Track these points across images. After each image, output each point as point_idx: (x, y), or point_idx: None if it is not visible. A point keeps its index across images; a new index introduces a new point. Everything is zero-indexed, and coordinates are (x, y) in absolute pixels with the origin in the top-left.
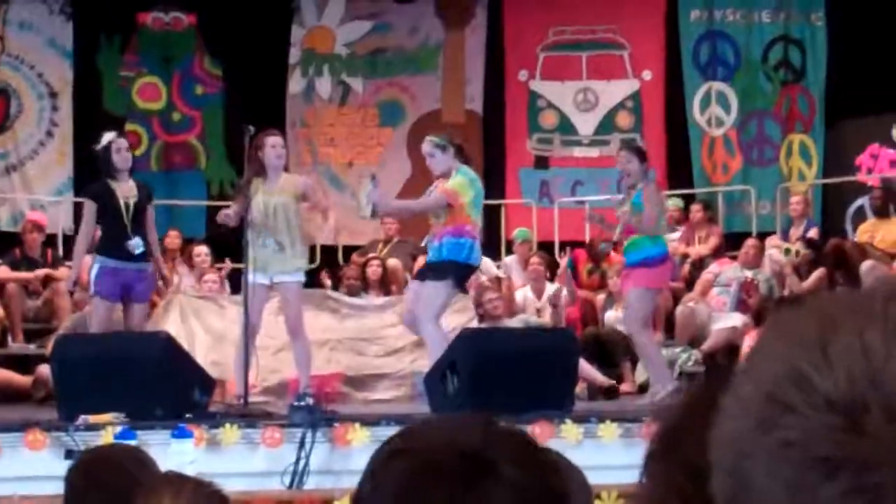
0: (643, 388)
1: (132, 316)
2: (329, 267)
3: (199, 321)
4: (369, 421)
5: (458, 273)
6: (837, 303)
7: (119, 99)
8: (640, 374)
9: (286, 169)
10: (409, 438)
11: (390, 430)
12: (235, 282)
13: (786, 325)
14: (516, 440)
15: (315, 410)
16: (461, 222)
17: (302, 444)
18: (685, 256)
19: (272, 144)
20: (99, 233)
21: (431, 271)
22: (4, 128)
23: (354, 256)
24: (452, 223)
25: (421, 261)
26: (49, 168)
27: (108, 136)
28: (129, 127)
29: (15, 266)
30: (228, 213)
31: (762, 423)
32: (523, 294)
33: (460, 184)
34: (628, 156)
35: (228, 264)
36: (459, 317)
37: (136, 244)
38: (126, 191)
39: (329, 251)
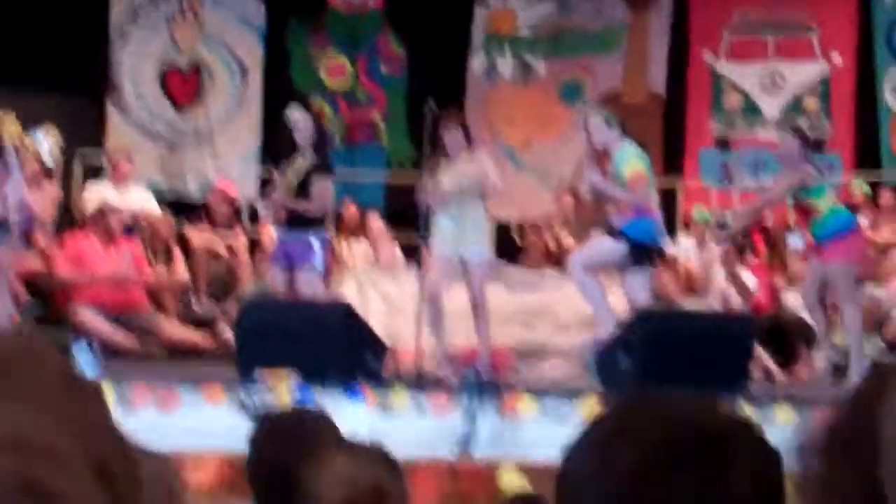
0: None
1: (299, 284)
2: (504, 242)
3: (375, 291)
4: (538, 391)
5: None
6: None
7: (307, 76)
8: (819, 360)
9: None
10: (637, 416)
11: (559, 402)
12: (411, 254)
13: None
14: (748, 425)
15: (484, 380)
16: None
17: (470, 412)
18: (871, 243)
19: (447, 131)
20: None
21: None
22: (198, 102)
23: (529, 231)
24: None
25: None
26: (238, 142)
27: (293, 112)
28: (315, 103)
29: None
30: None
31: None
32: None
33: (641, 164)
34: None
35: (402, 237)
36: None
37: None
38: (301, 165)
39: (504, 226)
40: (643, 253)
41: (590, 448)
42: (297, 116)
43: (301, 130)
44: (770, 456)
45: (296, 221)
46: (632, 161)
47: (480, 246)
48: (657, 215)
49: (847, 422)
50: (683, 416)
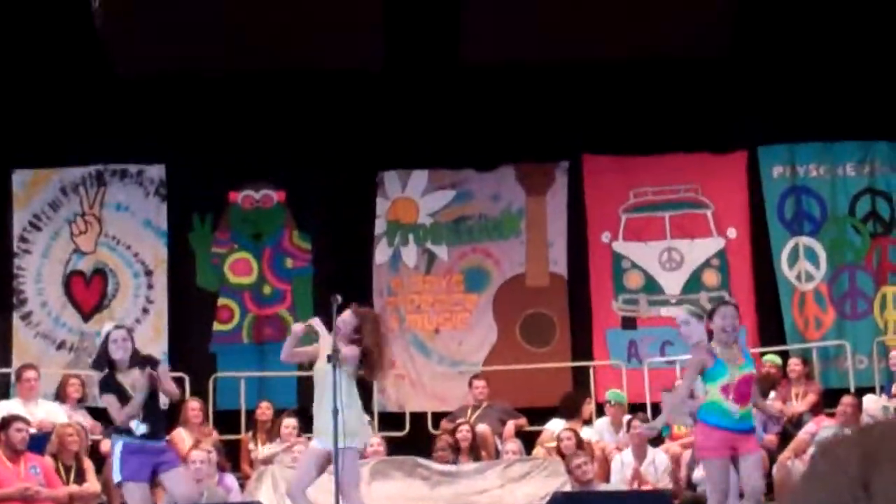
0: None
1: (171, 484)
2: (418, 433)
3: None
4: None
5: None
6: (878, 435)
7: (212, 275)
8: None
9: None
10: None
11: None
12: None
13: (831, 457)
14: None
15: None
16: None
17: None
18: (786, 415)
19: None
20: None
21: None
22: (102, 307)
23: (444, 423)
24: None
25: (510, 425)
26: (145, 345)
27: (105, 328)
28: (221, 301)
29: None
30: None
31: None
32: (621, 459)
33: None
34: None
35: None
36: (552, 481)
37: (136, 426)
38: (130, 380)
39: (418, 417)
40: None
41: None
42: (118, 334)
43: (123, 347)
44: None
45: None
46: None
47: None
48: None
49: None
50: None
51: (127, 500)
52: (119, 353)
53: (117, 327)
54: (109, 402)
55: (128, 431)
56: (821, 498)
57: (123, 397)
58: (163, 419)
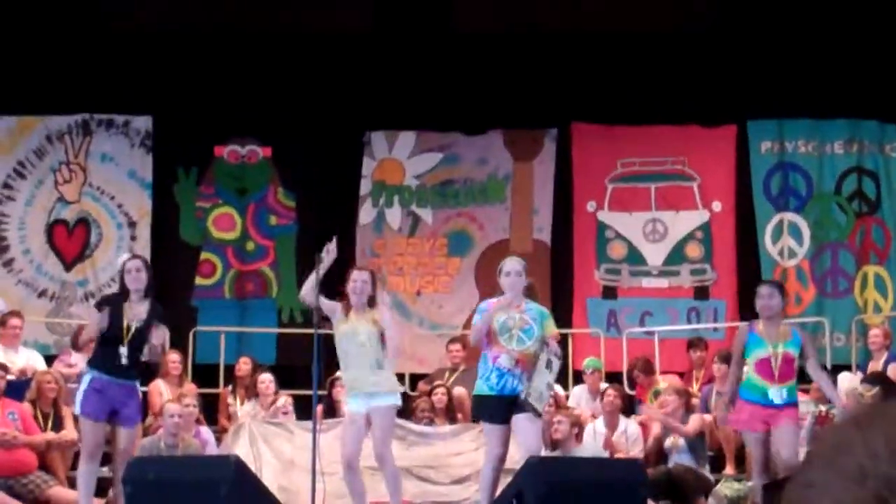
0: None
1: (120, 439)
2: None
3: (268, 446)
4: None
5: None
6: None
7: (195, 229)
8: None
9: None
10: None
11: None
12: (303, 409)
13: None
14: None
15: None
16: None
17: None
18: None
19: (353, 279)
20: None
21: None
22: (84, 256)
23: (421, 385)
24: None
25: None
26: None
27: (122, 257)
28: (203, 256)
29: None
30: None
31: None
32: (593, 427)
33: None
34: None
35: (286, 394)
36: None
37: (122, 354)
38: (134, 314)
39: (396, 378)
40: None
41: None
42: (131, 264)
43: (136, 278)
44: None
45: (113, 369)
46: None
47: (388, 394)
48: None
49: None
50: None
51: (81, 433)
52: (133, 284)
53: (133, 257)
54: (92, 315)
55: (102, 367)
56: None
57: (111, 326)
58: (140, 366)
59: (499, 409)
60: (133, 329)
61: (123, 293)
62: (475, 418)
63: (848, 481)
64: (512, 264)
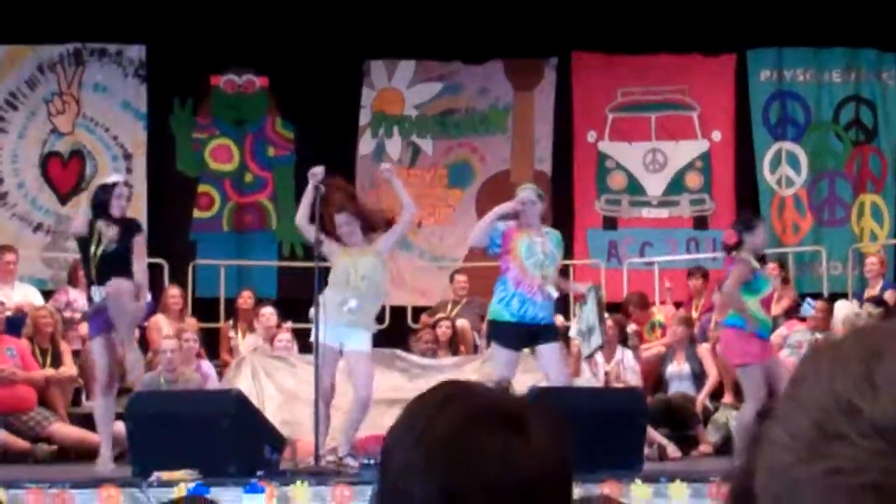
0: (718, 450)
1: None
2: (397, 326)
3: (270, 380)
4: None
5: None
6: (881, 333)
7: (192, 160)
8: (713, 435)
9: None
10: (461, 391)
11: None
12: (305, 341)
13: (829, 355)
14: (546, 411)
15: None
16: None
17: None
18: None
19: (338, 225)
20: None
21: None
22: (79, 189)
23: (424, 317)
24: None
25: None
26: None
27: (115, 177)
28: (201, 188)
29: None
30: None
31: (811, 452)
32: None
33: None
34: None
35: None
36: (529, 376)
37: (95, 292)
38: (108, 237)
39: (399, 312)
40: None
41: (419, 411)
42: (123, 190)
43: (119, 201)
44: (559, 421)
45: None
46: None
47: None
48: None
49: (735, 484)
50: (494, 396)
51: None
52: (116, 211)
53: (126, 183)
54: (80, 216)
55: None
56: (818, 397)
57: (92, 231)
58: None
59: (518, 336)
60: (103, 251)
61: (104, 211)
62: (489, 341)
63: (799, 410)
64: (527, 194)
